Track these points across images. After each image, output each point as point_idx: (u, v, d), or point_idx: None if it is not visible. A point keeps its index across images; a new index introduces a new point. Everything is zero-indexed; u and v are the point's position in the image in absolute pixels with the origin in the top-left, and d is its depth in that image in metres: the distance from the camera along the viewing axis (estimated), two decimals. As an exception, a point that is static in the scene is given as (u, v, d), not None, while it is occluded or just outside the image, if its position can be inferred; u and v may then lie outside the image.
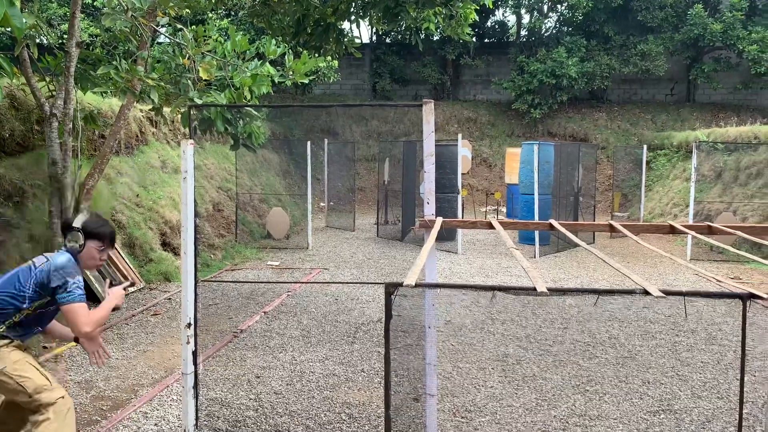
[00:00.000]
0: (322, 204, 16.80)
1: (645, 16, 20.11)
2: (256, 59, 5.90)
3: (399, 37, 22.87)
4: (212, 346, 5.89)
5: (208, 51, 6.14)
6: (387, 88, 22.87)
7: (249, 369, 5.29)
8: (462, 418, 4.33)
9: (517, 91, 20.87)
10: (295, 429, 4.16)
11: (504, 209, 16.60)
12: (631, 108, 21.91)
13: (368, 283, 8.27)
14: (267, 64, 6.06)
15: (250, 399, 4.66)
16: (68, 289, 3.01)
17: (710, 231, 3.26)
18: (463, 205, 13.86)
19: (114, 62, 5.93)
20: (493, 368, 5.34)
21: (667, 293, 1.81)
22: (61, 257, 3.11)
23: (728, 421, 4.33)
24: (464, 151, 17.17)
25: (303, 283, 8.61)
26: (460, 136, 12.94)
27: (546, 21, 23.00)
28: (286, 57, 5.81)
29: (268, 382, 5.00)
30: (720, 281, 7.75)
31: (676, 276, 9.35)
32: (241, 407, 4.51)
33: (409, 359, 5.47)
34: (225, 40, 6.39)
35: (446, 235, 12.14)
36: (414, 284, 1.96)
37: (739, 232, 3.14)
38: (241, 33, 5.98)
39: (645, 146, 16.11)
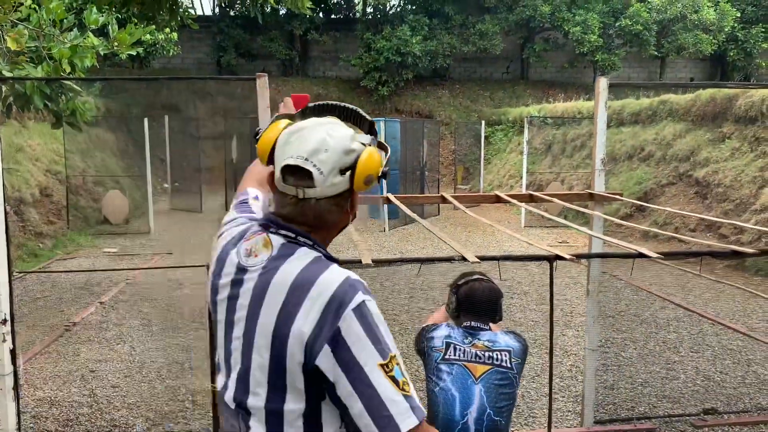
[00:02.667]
0: (165, 185, 15.98)
1: (482, -3, 21.11)
2: (76, 29, 5.40)
3: (244, 10, 22.13)
4: (41, 341, 5.43)
5: (18, 19, 5.53)
6: (233, 63, 22.09)
7: (83, 364, 4.94)
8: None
9: (364, 69, 21.09)
10: (134, 422, 3.96)
11: (355, 185, 16.79)
12: (471, 86, 23.00)
13: (189, 266, 7.99)
14: (90, 34, 5.57)
15: (84, 395, 4.36)
16: None
17: (531, 199, 3.50)
18: (313, 182, 13.80)
19: None
20: (341, 342, 5.41)
21: (482, 258, 1.91)
22: None
23: (555, 374, 4.73)
24: (314, 128, 17.11)
25: (137, 269, 8.17)
26: (307, 112, 12.84)
27: (390, -1, 23.39)
28: (110, 27, 5.39)
29: (104, 375, 4.69)
30: (533, 245, 8.40)
31: (511, 243, 10.03)
32: (73, 405, 4.21)
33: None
34: (41, 8, 5.78)
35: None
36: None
37: (555, 200, 3.40)
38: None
39: (483, 122, 17.03)
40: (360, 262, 1.91)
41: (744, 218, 8.61)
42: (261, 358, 1.24)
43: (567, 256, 2.00)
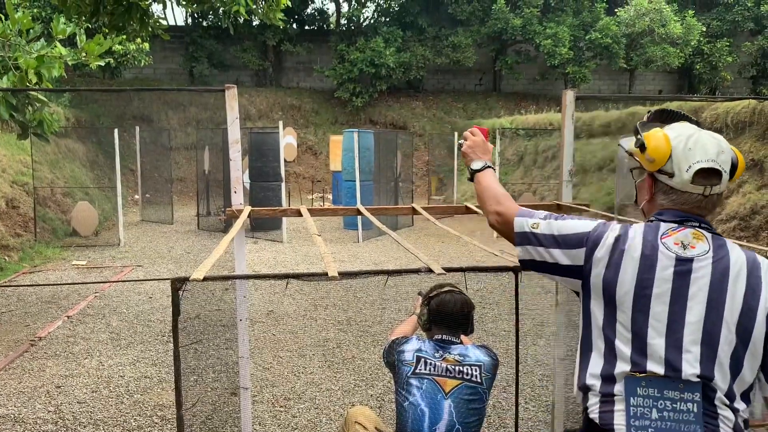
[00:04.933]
0: (136, 196, 15.78)
1: (455, 10, 21.32)
2: (43, 39, 5.34)
3: (216, 20, 22.04)
4: (5, 357, 5.30)
5: (-16, 28, 5.44)
6: (205, 73, 21.96)
7: (48, 379, 4.83)
8: (281, 407, 4.31)
9: (339, 80, 21.14)
10: (100, 439, 3.88)
11: (330, 196, 16.79)
12: (445, 97, 23.18)
13: (159, 279, 7.90)
14: (57, 44, 5.50)
15: (49, 412, 4.26)
16: None
17: (500, 210, 3.52)
18: (289, 192, 13.80)
19: None
20: (313, 354, 5.38)
21: (448, 270, 1.92)
22: None
23: (525, 383, 4.76)
24: (289, 139, 17.10)
25: (106, 282, 8.04)
26: (281, 123, 12.84)
27: (364, 10, 23.50)
28: (77, 37, 5.32)
29: (70, 391, 4.59)
30: (498, 256, 8.45)
31: (484, 253, 10.07)
32: (37, 422, 4.11)
33: (228, 354, 5.33)
34: (6, 18, 5.71)
35: (271, 225, 12.00)
36: (202, 278, 1.89)
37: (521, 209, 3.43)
38: (25, 9, 5.37)
39: (456, 133, 17.15)
40: (326, 274, 1.90)
41: (710, 228, 8.78)
42: (729, 332, 1.44)
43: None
